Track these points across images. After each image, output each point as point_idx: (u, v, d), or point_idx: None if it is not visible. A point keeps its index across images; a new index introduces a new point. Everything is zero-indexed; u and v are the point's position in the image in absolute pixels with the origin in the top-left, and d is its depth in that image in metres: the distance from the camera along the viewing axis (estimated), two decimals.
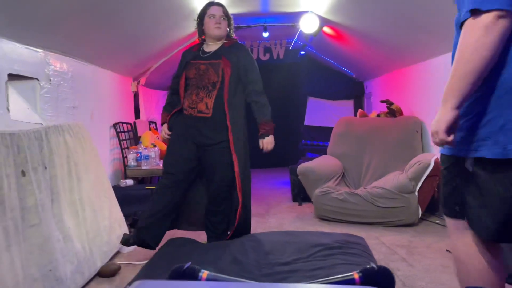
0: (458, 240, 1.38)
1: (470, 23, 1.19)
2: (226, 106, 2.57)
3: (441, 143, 1.29)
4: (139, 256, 2.76)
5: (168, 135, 2.71)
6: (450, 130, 1.26)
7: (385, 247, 2.87)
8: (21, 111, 2.49)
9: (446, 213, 1.43)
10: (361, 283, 0.78)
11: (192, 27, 2.89)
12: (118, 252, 2.80)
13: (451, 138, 1.26)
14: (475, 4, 1.16)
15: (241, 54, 2.65)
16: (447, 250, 2.72)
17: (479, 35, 1.17)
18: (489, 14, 1.14)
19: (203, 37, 2.70)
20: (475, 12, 1.17)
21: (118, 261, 2.66)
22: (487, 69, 1.20)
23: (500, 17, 1.14)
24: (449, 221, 1.42)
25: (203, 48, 2.68)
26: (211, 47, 2.66)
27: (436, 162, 3.36)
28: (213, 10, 2.63)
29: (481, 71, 1.19)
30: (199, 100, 2.58)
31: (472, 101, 1.27)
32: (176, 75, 2.75)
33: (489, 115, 1.24)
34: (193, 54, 2.68)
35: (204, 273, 0.75)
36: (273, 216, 3.93)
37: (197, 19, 2.70)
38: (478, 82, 1.21)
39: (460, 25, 1.24)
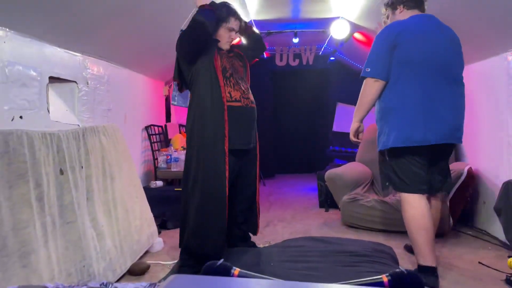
0: (403, 202, 2.43)
1: (365, 80, 2.40)
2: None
3: (353, 143, 2.61)
4: (167, 256, 2.82)
5: None
6: (356, 134, 2.56)
7: (414, 257, 2.81)
8: (60, 112, 2.61)
9: (383, 188, 2.60)
10: (390, 287, 0.78)
11: None
12: (147, 252, 2.87)
13: (356, 139, 2.57)
14: (364, 72, 2.38)
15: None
16: (479, 262, 2.65)
17: (366, 88, 2.39)
18: (371, 79, 2.36)
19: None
20: (365, 76, 2.39)
21: (148, 260, 2.73)
22: (371, 104, 2.42)
23: (375, 81, 2.35)
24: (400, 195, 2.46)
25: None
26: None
27: (469, 171, 3.27)
28: (234, 23, 2.51)
29: (368, 104, 2.42)
30: (247, 91, 2.49)
31: (378, 119, 2.47)
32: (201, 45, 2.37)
33: (382, 126, 2.43)
34: (215, 41, 2.49)
35: (236, 270, 0.77)
36: (300, 221, 3.92)
37: (217, 21, 2.45)
38: (368, 109, 2.45)
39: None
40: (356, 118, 2.48)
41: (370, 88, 2.36)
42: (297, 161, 7.37)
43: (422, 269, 2.34)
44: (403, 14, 2.50)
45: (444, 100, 2.29)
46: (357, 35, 4.80)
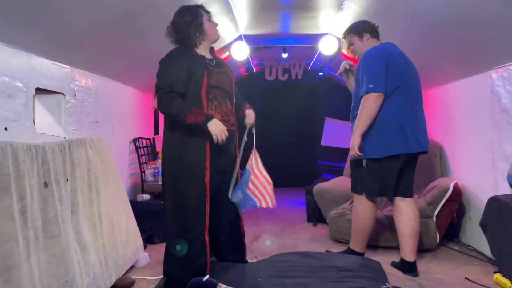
0: (359, 202, 2.88)
1: (367, 96, 2.62)
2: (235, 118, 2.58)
3: (355, 156, 2.69)
4: (153, 272, 2.77)
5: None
6: (358, 148, 2.65)
7: (401, 272, 2.81)
8: (46, 124, 2.58)
9: (354, 191, 2.92)
10: None
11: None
12: (132, 267, 2.82)
13: (359, 154, 2.66)
14: (368, 89, 2.60)
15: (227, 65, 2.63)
16: (466, 278, 2.66)
17: (370, 103, 2.61)
18: (374, 94, 2.60)
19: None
20: (368, 92, 2.60)
21: (133, 275, 2.68)
22: (373, 118, 2.63)
23: (379, 96, 2.60)
24: (355, 195, 2.92)
25: (200, 54, 2.45)
26: (205, 53, 2.49)
27: (455, 187, 3.30)
28: (210, 14, 2.52)
29: (371, 119, 2.64)
30: (229, 112, 2.48)
31: (369, 130, 2.67)
32: (183, 81, 2.30)
33: (373, 137, 2.69)
34: (200, 59, 2.41)
35: (222, 286, 0.76)
36: (288, 236, 3.91)
37: (193, 23, 2.41)
38: (369, 124, 2.64)
39: (361, 96, 2.66)
40: (359, 133, 2.65)
41: (374, 102, 2.61)
42: (286, 175, 7.35)
43: (358, 253, 2.92)
44: (370, 41, 2.88)
45: (421, 114, 2.76)
46: (345, 52, 4.86)
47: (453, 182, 3.34)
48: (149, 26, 3.06)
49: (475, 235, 3.31)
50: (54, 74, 2.62)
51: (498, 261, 2.58)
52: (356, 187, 2.86)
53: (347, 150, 4.63)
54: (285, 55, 5.21)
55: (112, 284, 2.41)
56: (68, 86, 2.77)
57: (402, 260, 2.79)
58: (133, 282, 2.52)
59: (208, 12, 2.51)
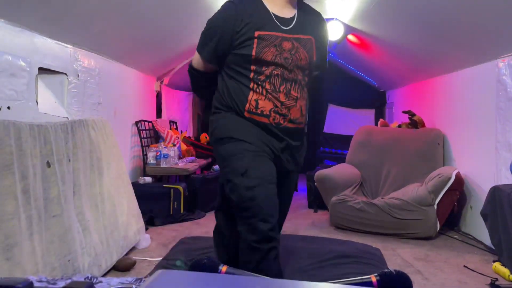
0: None
1: None
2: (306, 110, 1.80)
3: None
4: (154, 253, 2.80)
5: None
6: None
7: (400, 259, 2.83)
8: (48, 104, 2.57)
9: None
10: (379, 287, 0.78)
11: None
12: (134, 248, 2.84)
13: None
14: None
15: (321, 25, 1.81)
16: (465, 266, 2.67)
17: None
18: None
19: None
20: None
21: (134, 256, 2.70)
22: None
23: None
24: None
25: (269, 10, 1.63)
26: (284, 10, 1.66)
27: (457, 176, 3.30)
28: None
29: None
30: (292, 102, 1.70)
31: None
32: (217, 52, 1.64)
33: None
34: (260, 16, 1.61)
35: (224, 267, 0.77)
36: (288, 221, 3.89)
37: None
38: None
39: None
40: None
41: None
42: None
43: None
44: None
45: None
46: (350, 37, 4.81)
47: (455, 171, 3.33)
48: (154, 9, 3.02)
49: (475, 224, 3.32)
50: (57, 54, 2.60)
51: (498, 250, 2.59)
52: None
53: (349, 137, 4.66)
54: None
55: (113, 265, 2.43)
56: (71, 66, 2.75)
57: None
58: (134, 263, 2.54)
59: None
